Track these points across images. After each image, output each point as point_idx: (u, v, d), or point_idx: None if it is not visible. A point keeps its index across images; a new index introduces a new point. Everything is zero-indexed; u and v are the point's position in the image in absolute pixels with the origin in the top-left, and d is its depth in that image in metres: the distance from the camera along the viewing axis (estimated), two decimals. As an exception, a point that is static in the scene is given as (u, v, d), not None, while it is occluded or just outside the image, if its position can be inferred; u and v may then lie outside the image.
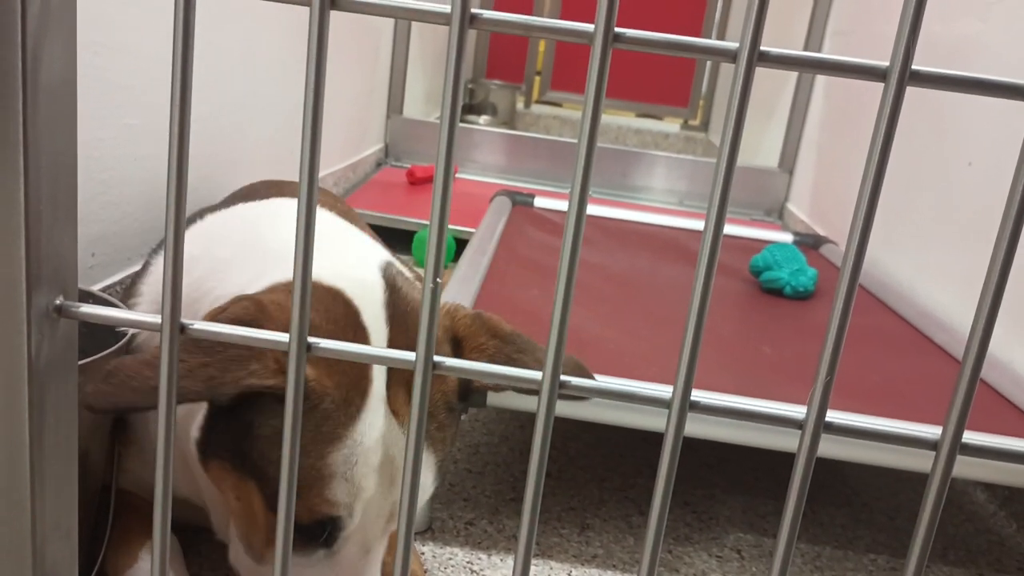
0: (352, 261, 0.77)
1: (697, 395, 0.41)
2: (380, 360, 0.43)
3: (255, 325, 0.66)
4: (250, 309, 0.68)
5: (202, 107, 1.38)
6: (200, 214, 0.97)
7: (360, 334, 0.71)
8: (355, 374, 0.69)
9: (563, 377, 0.41)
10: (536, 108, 4.52)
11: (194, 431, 0.73)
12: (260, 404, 0.67)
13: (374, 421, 0.69)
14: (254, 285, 0.75)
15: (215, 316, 0.68)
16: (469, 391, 0.78)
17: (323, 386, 0.67)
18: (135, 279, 0.98)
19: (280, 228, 0.85)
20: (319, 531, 0.70)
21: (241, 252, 0.82)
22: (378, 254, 0.81)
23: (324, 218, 0.89)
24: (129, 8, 1.10)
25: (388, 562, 0.84)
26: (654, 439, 1.38)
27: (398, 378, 0.71)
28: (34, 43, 0.40)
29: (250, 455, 0.68)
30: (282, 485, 0.44)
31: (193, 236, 0.87)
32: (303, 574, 0.72)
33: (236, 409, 0.68)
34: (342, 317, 0.71)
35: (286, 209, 0.93)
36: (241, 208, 0.96)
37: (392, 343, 0.72)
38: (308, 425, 0.67)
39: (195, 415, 0.73)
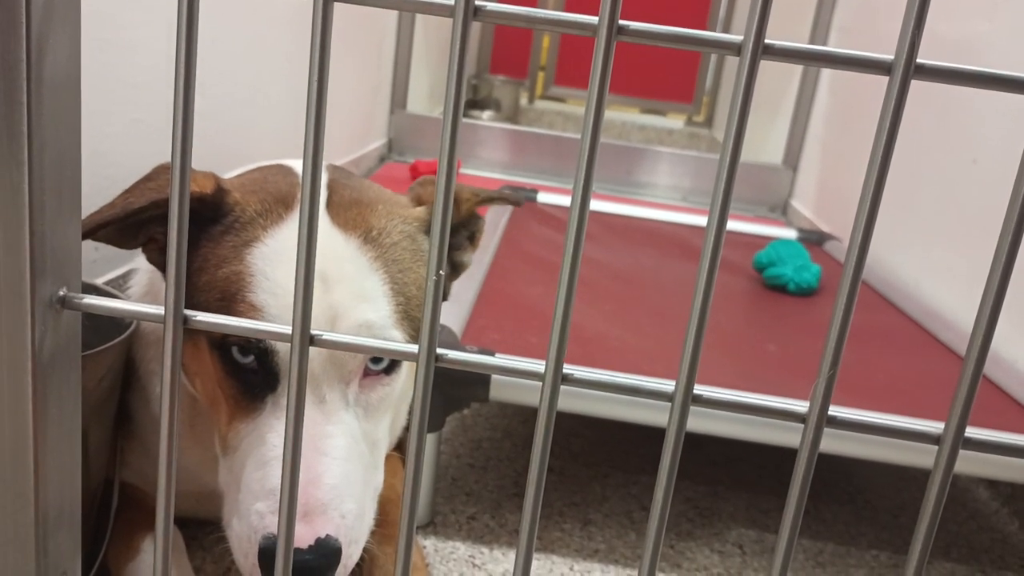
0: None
1: (700, 389, 0.41)
2: (381, 352, 0.43)
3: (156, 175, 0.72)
4: (160, 167, 0.72)
5: (206, 102, 1.38)
6: None
7: (293, 191, 0.74)
8: (278, 192, 0.73)
9: (566, 369, 0.41)
10: (540, 104, 4.51)
11: None
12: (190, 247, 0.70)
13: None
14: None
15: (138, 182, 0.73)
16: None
17: (244, 199, 0.71)
18: (125, 276, 0.98)
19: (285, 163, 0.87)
20: (259, 369, 0.67)
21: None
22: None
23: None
24: (134, 4, 1.10)
25: (390, 553, 0.84)
26: (657, 435, 1.38)
27: (339, 200, 0.74)
28: (39, 37, 0.40)
29: (193, 303, 0.69)
30: (283, 496, 0.44)
31: None
32: (255, 438, 0.67)
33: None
34: (281, 177, 0.76)
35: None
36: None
37: (329, 206, 0.74)
38: (230, 237, 0.69)
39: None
